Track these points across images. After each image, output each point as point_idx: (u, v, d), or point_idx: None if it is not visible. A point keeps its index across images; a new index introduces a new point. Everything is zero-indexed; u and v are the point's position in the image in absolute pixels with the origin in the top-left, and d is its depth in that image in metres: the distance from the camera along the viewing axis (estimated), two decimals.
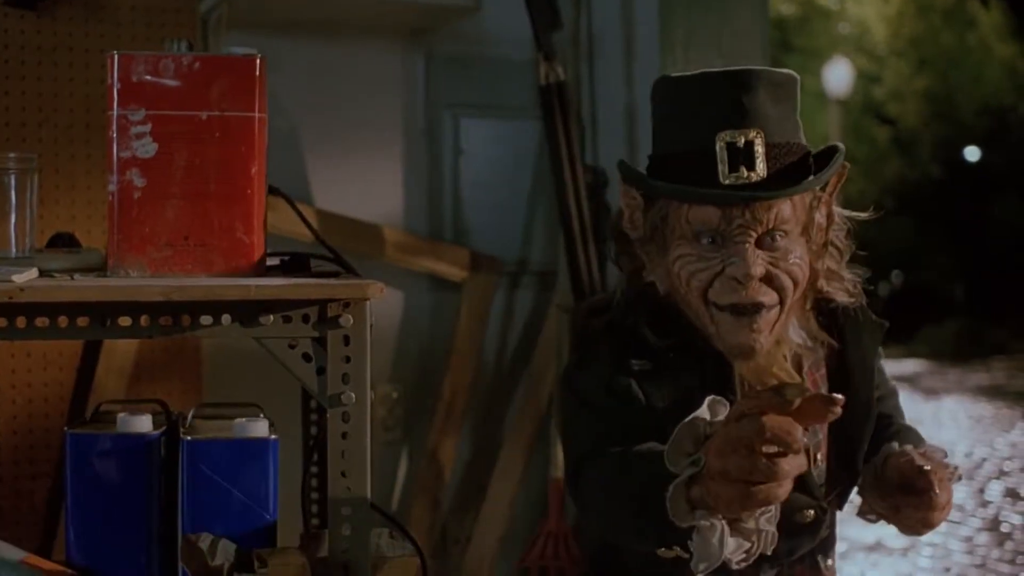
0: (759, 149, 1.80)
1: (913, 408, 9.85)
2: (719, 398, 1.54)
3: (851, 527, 5.97)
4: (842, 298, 1.96)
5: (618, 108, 3.31)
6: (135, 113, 1.76)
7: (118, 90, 1.76)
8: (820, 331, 1.96)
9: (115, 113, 1.76)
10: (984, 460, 8.27)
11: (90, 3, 2.73)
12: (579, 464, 1.86)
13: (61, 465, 2.00)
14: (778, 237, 1.83)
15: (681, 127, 1.85)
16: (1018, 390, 12.32)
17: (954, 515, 6.45)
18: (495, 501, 3.29)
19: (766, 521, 1.50)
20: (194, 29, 2.86)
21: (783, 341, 1.90)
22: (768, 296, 1.84)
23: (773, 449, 1.39)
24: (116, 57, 1.76)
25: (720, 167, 1.80)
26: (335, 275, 1.86)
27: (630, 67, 3.29)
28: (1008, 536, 6.03)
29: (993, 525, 6.28)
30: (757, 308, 1.83)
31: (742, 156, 1.80)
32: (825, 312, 1.98)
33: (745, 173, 1.80)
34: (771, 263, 1.83)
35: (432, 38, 3.31)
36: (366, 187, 3.26)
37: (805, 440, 1.41)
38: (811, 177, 1.84)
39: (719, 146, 1.80)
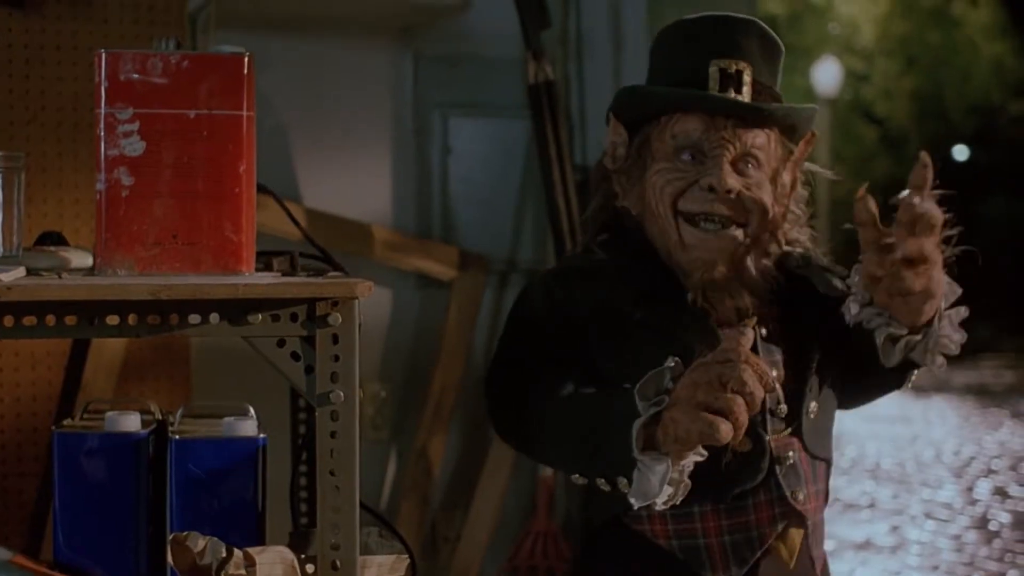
0: (747, 78, 1.94)
1: (901, 407, 9.87)
2: (678, 361, 1.68)
3: (840, 526, 5.99)
4: (802, 246, 2.06)
5: (606, 106, 3.30)
6: (123, 111, 1.76)
7: (106, 88, 1.76)
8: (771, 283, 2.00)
9: (103, 111, 1.76)
10: (972, 459, 8.29)
11: (78, 1, 2.72)
12: (495, 369, 2.02)
13: (49, 464, 2.00)
14: (751, 165, 1.95)
15: (676, 57, 1.99)
16: (1005, 388, 12.36)
17: (942, 513, 6.48)
18: (484, 499, 3.29)
19: (689, 465, 1.68)
20: (183, 27, 2.85)
21: (744, 274, 1.96)
22: (736, 213, 1.93)
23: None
24: (104, 55, 1.76)
25: (711, 85, 1.93)
26: (324, 274, 1.86)
27: (618, 66, 3.30)
28: (996, 534, 6.05)
29: (981, 523, 6.30)
30: (725, 223, 1.92)
31: (732, 81, 1.93)
32: (782, 269, 2.03)
33: (732, 95, 1.93)
34: (743, 186, 1.93)
35: (421, 37, 3.31)
36: (355, 186, 3.27)
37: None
38: (790, 106, 1.98)
39: (711, 70, 1.93)
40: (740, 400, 1.60)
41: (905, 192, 1.70)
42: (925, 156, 1.69)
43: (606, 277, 2.00)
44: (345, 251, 3.17)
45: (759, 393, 1.60)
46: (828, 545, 5.49)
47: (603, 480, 1.78)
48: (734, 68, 1.93)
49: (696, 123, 1.93)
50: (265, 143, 3.14)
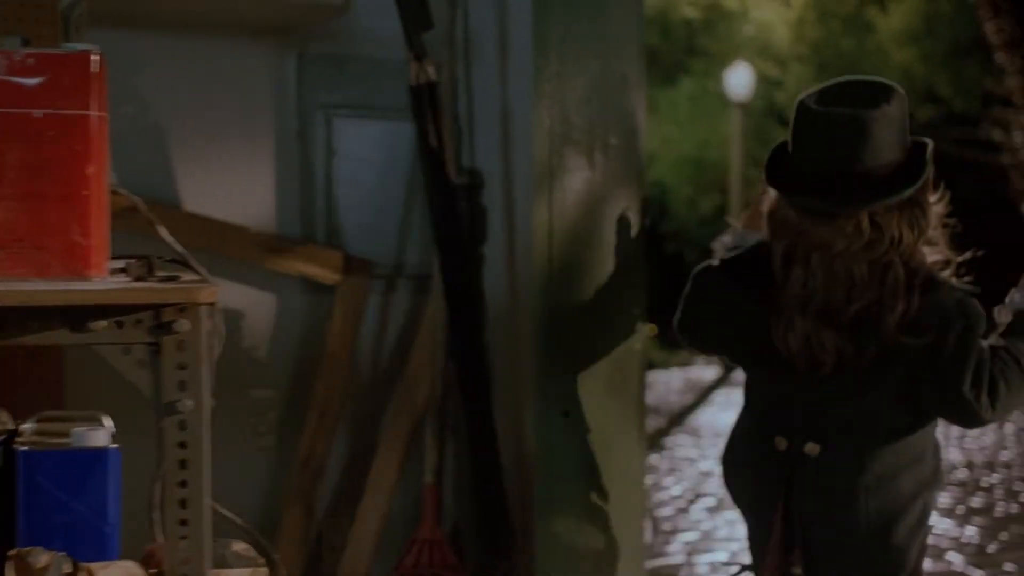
0: None
1: None
2: None
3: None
4: None
5: (494, 109, 3.28)
6: None
7: None
8: None
9: None
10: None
11: None
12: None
13: None
14: None
15: None
16: None
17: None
18: (370, 507, 3.24)
19: None
20: (55, 25, 2.76)
21: None
22: None
23: None
24: None
25: None
26: (176, 279, 1.80)
27: (505, 69, 3.26)
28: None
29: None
30: None
31: None
32: None
33: None
34: None
35: (304, 37, 3.25)
36: (237, 189, 3.20)
37: None
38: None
39: None
40: None
41: None
42: None
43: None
44: (227, 256, 3.12)
45: None
46: (732, 546, 5.50)
47: None
48: None
49: None
50: (142, 144, 3.09)
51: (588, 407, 3.18)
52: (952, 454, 8.75)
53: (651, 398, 12.99)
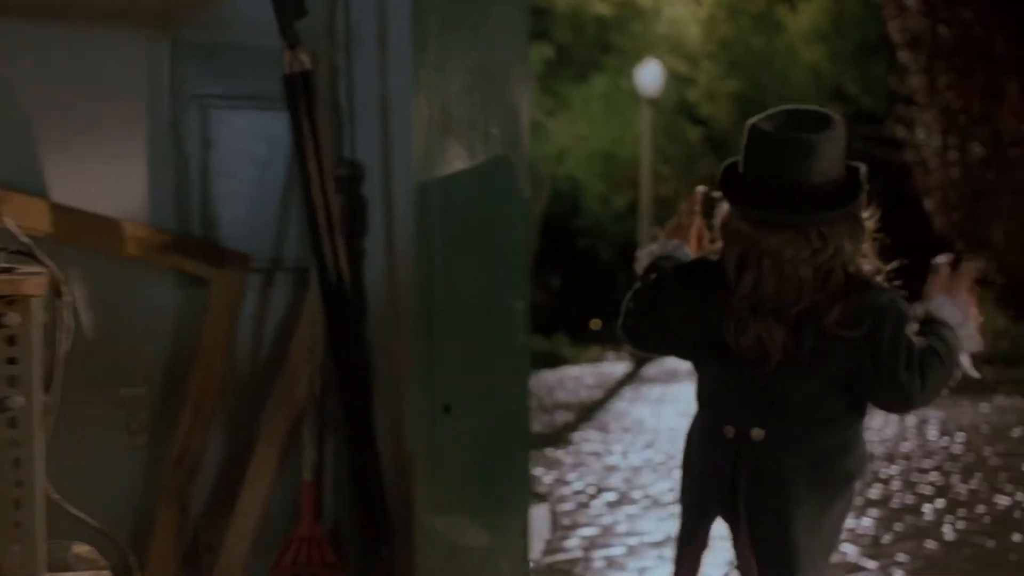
0: None
1: None
2: None
3: (645, 522, 6.03)
4: None
5: (374, 100, 3.22)
6: None
7: None
8: None
9: None
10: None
11: None
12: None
13: None
14: None
15: None
16: None
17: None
18: (247, 505, 3.17)
19: None
20: None
21: None
22: None
23: None
24: None
25: None
26: (10, 271, 1.73)
27: (384, 60, 3.21)
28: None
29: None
30: None
31: None
32: None
33: None
34: None
35: (178, 24, 3.16)
36: (109, 181, 3.10)
37: None
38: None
39: None
40: None
41: None
42: None
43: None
44: (97, 249, 3.03)
45: None
46: (630, 540, 5.51)
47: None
48: None
49: None
50: (9, 135, 2.99)
51: (470, 401, 3.15)
52: None
53: (561, 394, 13.01)
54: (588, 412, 11.33)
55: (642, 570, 4.99)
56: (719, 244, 2.74)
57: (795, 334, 2.62)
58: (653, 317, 2.81)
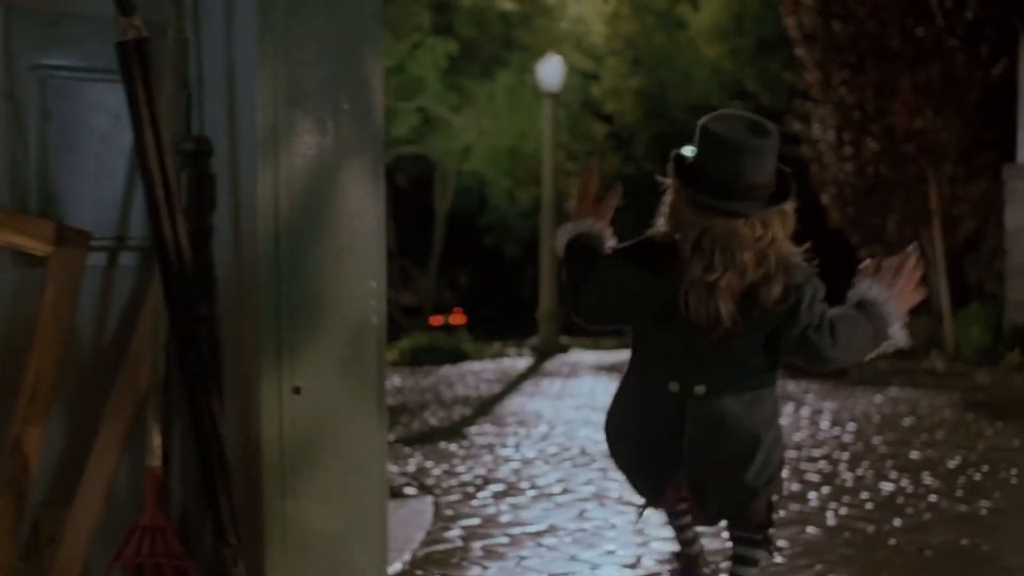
0: None
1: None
2: None
3: (531, 512, 5.97)
4: None
5: (221, 72, 3.12)
6: None
7: None
8: None
9: None
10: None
11: None
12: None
13: None
14: None
15: None
16: None
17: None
18: (89, 494, 3.05)
19: None
20: None
21: None
22: None
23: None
24: None
25: None
26: None
27: (231, 28, 3.10)
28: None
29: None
30: None
31: None
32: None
33: None
34: None
35: None
36: None
37: None
38: None
39: None
40: None
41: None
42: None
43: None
44: None
45: None
46: (513, 530, 5.44)
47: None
48: None
49: None
50: None
51: (321, 384, 3.05)
52: None
53: (461, 389, 12.93)
54: (486, 406, 11.26)
55: (520, 559, 4.92)
56: (662, 225, 3.28)
57: (740, 307, 3.19)
58: (606, 294, 3.33)
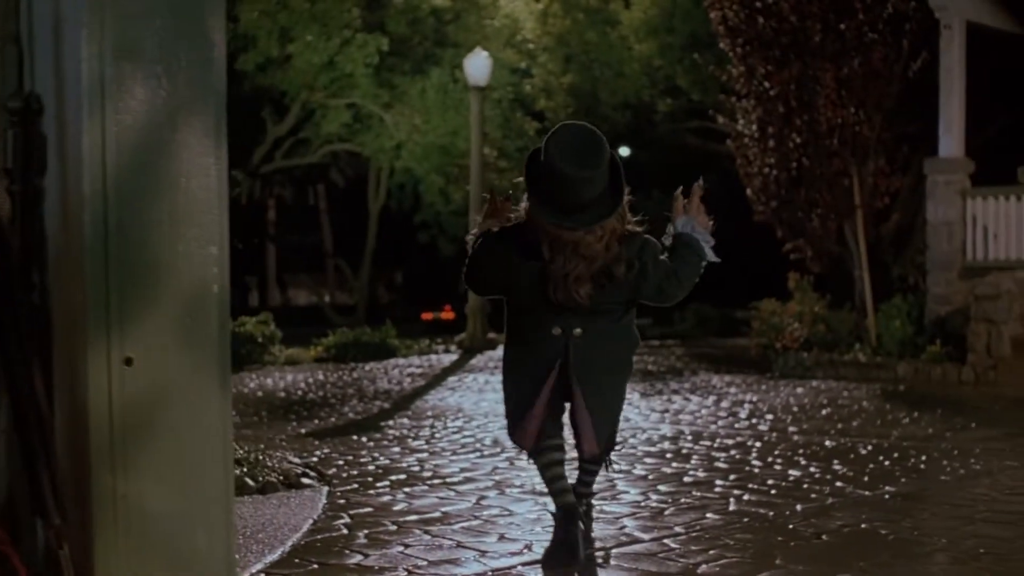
0: None
1: None
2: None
3: (429, 499, 5.83)
4: None
5: (49, 25, 2.95)
6: None
7: None
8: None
9: None
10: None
11: None
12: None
13: None
14: None
15: None
16: None
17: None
18: None
19: None
20: None
21: None
22: None
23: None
24: None
25: None
26: None
27: None
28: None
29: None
30: None
31: None
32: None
33: None
34: None
35: None
36: None
37: None
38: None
39: None
40: None
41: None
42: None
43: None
44: None
45: None
46: (403, 518, 5.28)
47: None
48: None
49: None
50: None
51: (154, 354, 2.89)
52: (664, 429, 8.83)
53: (384, 383, 12.77)
54: (406, 400, 11.11)
55: (406, 546, 4.78)
56: (525, 210, 4.15)
57: (596, 285, 4.12)
58: (487, 271, 4.29)
